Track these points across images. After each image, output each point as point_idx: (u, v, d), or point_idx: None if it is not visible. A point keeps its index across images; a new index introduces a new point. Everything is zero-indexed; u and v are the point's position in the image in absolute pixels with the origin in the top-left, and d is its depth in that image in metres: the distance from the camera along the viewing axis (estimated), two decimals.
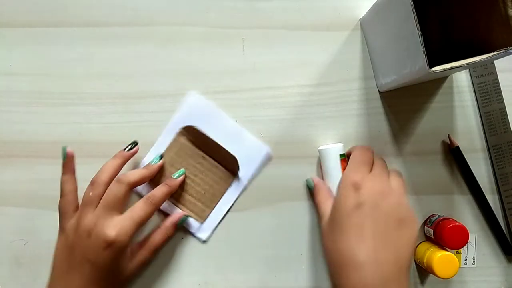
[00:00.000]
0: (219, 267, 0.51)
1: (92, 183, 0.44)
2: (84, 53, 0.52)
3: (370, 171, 0.44)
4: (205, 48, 0.52)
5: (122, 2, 0.52)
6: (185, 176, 0.49)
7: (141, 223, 0.43)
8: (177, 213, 0.49)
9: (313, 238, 0.51)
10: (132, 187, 0.45)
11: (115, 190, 0.43)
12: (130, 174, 0.45)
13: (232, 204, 0.51)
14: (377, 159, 0.46)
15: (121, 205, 0.44)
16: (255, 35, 0.52)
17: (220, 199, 0.50)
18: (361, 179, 0.42)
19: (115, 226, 0.41)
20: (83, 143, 0.51)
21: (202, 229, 0.50)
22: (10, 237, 0.51)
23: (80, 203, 0.45)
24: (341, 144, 0.49)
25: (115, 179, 0.44)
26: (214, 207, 0.50)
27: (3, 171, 0.51)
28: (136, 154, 0.48)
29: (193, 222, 0.50)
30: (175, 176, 0.48)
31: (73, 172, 0.46)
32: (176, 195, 0.50)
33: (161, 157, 0.49)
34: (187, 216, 0.49)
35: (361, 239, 0.40)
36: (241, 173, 0.50)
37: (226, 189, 0.51)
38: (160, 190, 0.46)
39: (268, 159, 0.51)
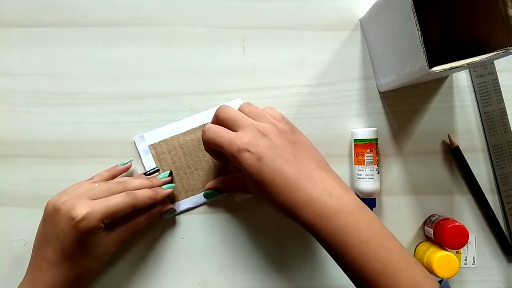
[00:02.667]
0: (219, 267, 0.51)
1: (94, 176, 0.47)
2: (84, 53, 0.52)
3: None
4: (205, 48, 0.52)
5: (123, 2, 0.52)
6: (172, 177, 0.50)
7: (115, 212, 0.42)
8: (168, 204, 0.49)
9: (313, 238, 0.51)
10: (128, 190, 0.45)
11: (110, 186, 0.44)
12: (131, 182, 0.46)
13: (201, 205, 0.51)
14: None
15: (104, 195, 0.44)
16: (255, 35, 0.52)
17: (202, 192, 0.51)
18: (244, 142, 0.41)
19: (87, 207, 0.40)
20: (83, 143, 0.51)
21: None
22: (10, 237, 0.51)
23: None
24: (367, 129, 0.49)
25: (119, 180, 0.46)
26: (190, 196, 0.51)
27: (3, 171, 0.51)
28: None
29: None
30: (165, 187, 0.48)
31: (106, 179, 0.49)
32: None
33: (171, 173, 0.49)
34: (175, 210, 0.50)
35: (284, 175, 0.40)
36: None
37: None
38: (146, 193, 0.45)
39: None
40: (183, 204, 0.50)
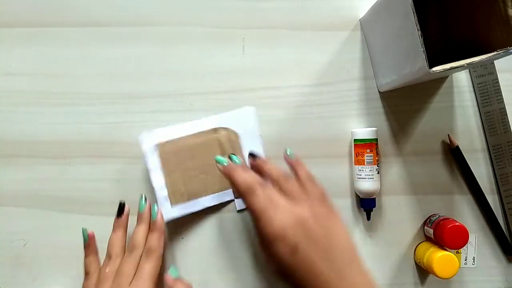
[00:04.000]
0: (219, 267, 0.51)
1: (109, 257, 0.46)
2: (84, 53, 0.52)
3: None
4: (205, 48, 0.52)
5: (123, 2, 0.52)
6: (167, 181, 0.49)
7: (155, 278, 0.44)
8: (167, 276, 0.47)
9: None
10: (143, 249, 0.46)
11: (129, 263, 0.45)
12: (137, 239, 0.46)
13: (209, 207, 0.50)
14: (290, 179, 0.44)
15: (131, 277, 0.44)
16: (255, 35, 0.52)
17: (204, 196, 0.50)
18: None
19: None
20: (83, 143, 0.51)
21: (169, 211, 0.49)
22: (10, 237, 0.51)
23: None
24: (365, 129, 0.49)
25: (127, 250, 0.46)
26: (192, 199, 0.50)
27: (3, 171, 0.51)
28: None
29: (164, 200, 0.49)
30: (153, 218, 0.47)
31: (96, 253, 0.49)
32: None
33: (145, 197, 0.48)
34: (177, 270, 0.48)
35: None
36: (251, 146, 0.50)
37: (217, 191, 0.50)
38: (157, 240, 0.46)
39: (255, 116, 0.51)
40: (184, 207, 0.49)
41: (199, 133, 0.50)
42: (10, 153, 0.51)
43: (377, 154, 0.49)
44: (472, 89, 0.52)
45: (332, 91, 0.52)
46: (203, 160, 0.50)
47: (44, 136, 0.51)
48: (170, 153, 0.49)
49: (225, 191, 0.50)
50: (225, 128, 0.50)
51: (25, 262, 0.50)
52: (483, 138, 0.52)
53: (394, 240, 0.51)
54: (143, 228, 0.47)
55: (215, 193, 0.50)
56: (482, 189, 0.51)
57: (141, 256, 0.45)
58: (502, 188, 0.51)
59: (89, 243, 0.48)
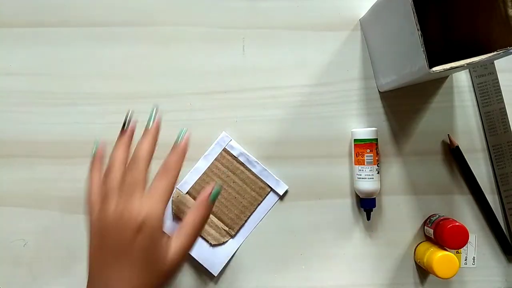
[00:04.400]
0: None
1: (106, 174, 0.40)
2: (84, 53, 0.52)
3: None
4: (205, 48, 0.52)
5: (123, 2, 0.52)
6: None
7: (168, 198, 0.39)
8: (208, 187, 0.42)
9: (312, 238, 0.51)
10: (148, 162, 0.40)
11: (134, 173, 0.39)
12: (140, 150, 0.40)
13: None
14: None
15: (143, 186, 0.39)
16: (255, 35, 0.52)
17: (253, 210, 0.51)
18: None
19: (143, 208, 0.37)
20: (83, 143, 0.51)
21: (232, 241, 0.51)
22: (10, 237, 0.51)
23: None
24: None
25: (129, 162, 0.40)
26: (247, 219, 0.51)
27: (3, 171, 0.51)
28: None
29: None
30: (179, 141, 0.42)
31: (99, 170, 0.42)
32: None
33: (156, 109, 0.43)
34: (220, 186, 0.43)
35: None
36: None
37: (260, 201, 0.51)
38: (175, 157, 0.41)
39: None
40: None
41: (214, 161, 0.51)
42: (10, 153, 0.51)
43: (377, 154, 0.49)
44: (472, 89, 0.52)
45: (332, 91, 0.52)
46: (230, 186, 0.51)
47: (44, 136, 0.51)
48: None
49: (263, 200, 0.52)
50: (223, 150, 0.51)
51: (25, 262, 0.50)
52: (483, 138, 0.52)
53: (394, 240, 0.51)
54: (148, 139, 0.41)
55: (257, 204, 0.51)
56: (482, 189, 0.51)
57: (146, 171, 0.39)
58: (502, 188, 0.51)
59: (95, 160, 0.43)
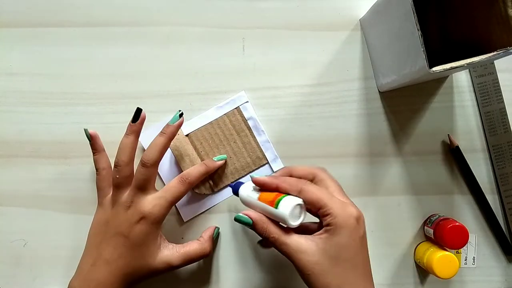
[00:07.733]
0: (219, 266, 0.51)
1: (116, 165, 0.45)
2: (84, 53, 0.52)
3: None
4: (205, 48, 0.52)
5: (122, 2, 0.52)
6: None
7: (174, 202, 0.44)
8: (211, 227, 0.49)
9: None
10: (156, 166, 0.45)
11: (144, 172, 0.44)
12: (148, 155, 0.44)
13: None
14: (330, 178, 0.43)
15: (152, 184, 0.45)
16: (255, 35, 0.52)
17: (243, 176, 0.51)
18: (358, 210, 0.40)
19: (150, 203, 0.43)
20: (83, 143, 0.51)
21: (212, 197, 0.51)
22: (10, 237, 0.51)
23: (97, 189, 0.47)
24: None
25: (139, 163, 0.44)
26: (234, 182, 0.51)
27: (3, 171, 0.51)
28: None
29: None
30: (216, 159, 0.49)
31: (102, 149, 0.48)
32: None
33: (181, 114, 0.47)
34: (218, 228, 0.50)
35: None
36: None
37: (252, 169, 0.51)
38: (196, 170, 0.46)
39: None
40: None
41: (213, 121, 0.51)
42: (10, 153, 0.51)
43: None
44: (472, 89, 0.52)
45: (332, 91, 0.52)
46: (230, 146, 0.51)
47: (44, 136, 0.51)
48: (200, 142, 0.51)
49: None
50: (235, 109, 0.51)
51: (25, 262, 0.50)
52: (483, 138, 0.52)
53: (394, 240, 0.51)
54: (161, 141, 0.44)
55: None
56: (482, 189, 0.51)
57: (157, 168, 0.45)
58: (502, 188, 0.51)
59: (93, 142, 0.47)
